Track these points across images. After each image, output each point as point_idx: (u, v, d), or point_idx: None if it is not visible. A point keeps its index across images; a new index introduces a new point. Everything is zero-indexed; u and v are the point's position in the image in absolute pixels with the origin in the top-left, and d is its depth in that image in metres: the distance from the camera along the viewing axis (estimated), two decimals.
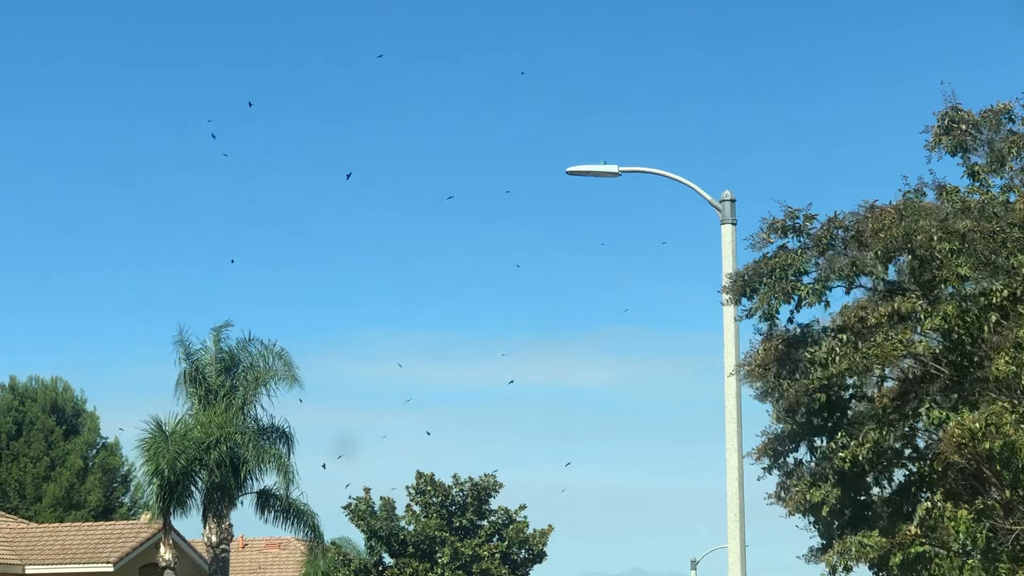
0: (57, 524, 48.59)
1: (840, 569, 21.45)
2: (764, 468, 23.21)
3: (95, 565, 41.06)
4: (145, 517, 42.08)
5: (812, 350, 20.82)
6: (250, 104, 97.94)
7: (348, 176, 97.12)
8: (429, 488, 41.17)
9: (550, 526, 41.81)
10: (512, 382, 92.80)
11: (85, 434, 60.79)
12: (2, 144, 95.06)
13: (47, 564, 41.79)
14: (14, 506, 55.82)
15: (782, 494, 22.47)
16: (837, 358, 20.25)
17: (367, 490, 41.75)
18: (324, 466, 51.44)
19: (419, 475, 41.64)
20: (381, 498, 41.51)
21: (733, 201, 23.97)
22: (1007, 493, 20.18)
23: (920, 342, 20.16)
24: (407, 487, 41.60)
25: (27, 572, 41.56)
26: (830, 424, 21.99)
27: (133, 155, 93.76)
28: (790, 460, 23.05)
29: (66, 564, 41.57)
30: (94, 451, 61.15)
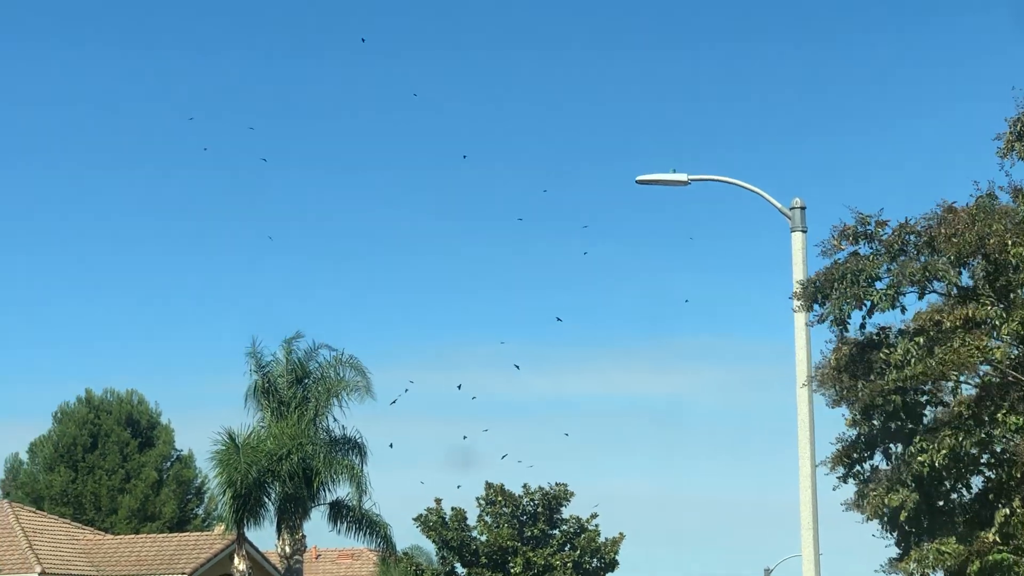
0: (133, 536, 49.19)
1: None
2: (839, 477, 23.00)
3: None
4: (219, 529, 42.43)
5: (887, 352, 20.63)
6: (250, 127, 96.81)
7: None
8: (499, 499, 41.23)
9: (621, 534, 41.75)
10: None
11: (159, 447, 61.47)
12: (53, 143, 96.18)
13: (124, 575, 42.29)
14: (90, 518, 56.55)
15: (859, 501, 22.24)
16: (912, 360, 20.05)
17: (438, 501, 41.89)
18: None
19: (488, 486, 41.75)
20: (452, 509, 41.65)
21: (803, 208, 23.74)
22: None
23: (998, 348, 19.92)
24: (477, 498, 41.69)
25: None
26: (907, 429, 21.79)
27: (172, 160, 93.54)
28: (866, 467, 22.84)
29: (142, 575, 42.04)
30: (168, 463, 61.79)
